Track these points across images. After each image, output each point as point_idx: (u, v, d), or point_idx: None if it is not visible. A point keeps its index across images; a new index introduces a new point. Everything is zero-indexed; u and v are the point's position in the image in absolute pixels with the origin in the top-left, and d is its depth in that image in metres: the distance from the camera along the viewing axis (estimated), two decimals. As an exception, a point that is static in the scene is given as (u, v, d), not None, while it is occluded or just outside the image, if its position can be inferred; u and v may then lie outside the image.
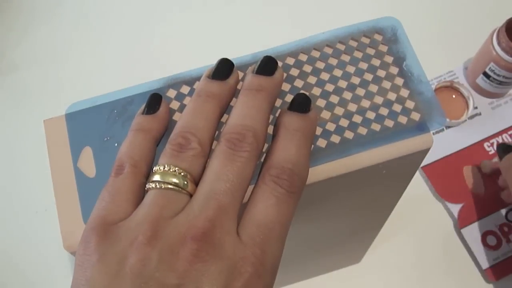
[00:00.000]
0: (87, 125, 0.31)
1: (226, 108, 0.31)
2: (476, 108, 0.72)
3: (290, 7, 0.82)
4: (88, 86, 0.76)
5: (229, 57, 0.31)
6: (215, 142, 0.29)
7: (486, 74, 0.68)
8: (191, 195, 0.27)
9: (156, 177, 0.27)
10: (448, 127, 0.70)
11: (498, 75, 0.67)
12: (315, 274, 0.61)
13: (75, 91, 0.76)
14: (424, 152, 0.31)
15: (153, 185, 0.27)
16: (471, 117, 0.71)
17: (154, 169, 0.27)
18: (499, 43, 0.65)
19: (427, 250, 0.65)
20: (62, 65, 0.79)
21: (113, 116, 0.31)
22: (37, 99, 0.76)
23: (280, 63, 0.32)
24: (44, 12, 0.84)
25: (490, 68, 0.67)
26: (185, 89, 0.32)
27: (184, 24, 0.82)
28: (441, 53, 0.75)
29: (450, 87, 0.72)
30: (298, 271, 0.55)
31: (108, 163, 0.30)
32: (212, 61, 0.32)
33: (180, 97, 0.31)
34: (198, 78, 0.32)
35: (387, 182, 0.35)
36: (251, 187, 0.28)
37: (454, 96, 0.72)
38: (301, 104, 0.29)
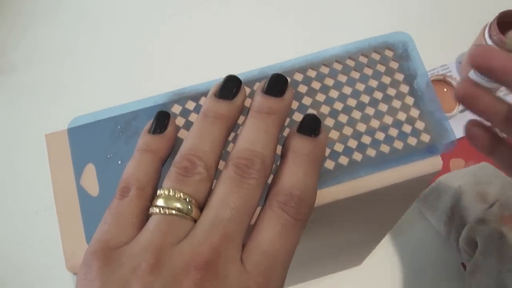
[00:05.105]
0: (90, 141, 0.31)
1: (233, 128, 0.30)
2: (468, 101, 0.72)
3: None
4: (88, 86, 0.76)
5: (237, 70, 0.31)
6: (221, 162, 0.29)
7: None
8: (195, 220, 0.26)
9: (160, 202, 0.26)
10: (439, 120, 0.71)
11: None
12: (315, 277, 0.61)
13: (75, 91, 0.75)
14: (433, 174, 0.31)
15: (157, 210, 0.26)
16: (462, 111, 0.72)
17: (158, 192, 0.27)
18: (490, 37, 0.65)
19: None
20: (62, 65, 0.78)
21: (117, 132, 0.31)
22: (36, 99, 0.76)
23: (288, 79, 0.31)
24: (45, 12, 0.82)
25: None
26: (190, 105, 0.31)
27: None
28: (435, 47, 0.74)
29: (442, 81, 0.73)
30: (299, 275, 0.55)
31: (112, 181, 0.29)
32: (219, 73, 0.31)
33: (185, 113, 0.31)
34: (204, 93, 0.31)
35: (394, 201, 0.35)
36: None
37: (445, 90, 0.73)
38: (311, 126, 0.29)
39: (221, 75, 0.31)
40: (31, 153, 0.70)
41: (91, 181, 0.30)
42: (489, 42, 0.65)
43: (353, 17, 0.80)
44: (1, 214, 0.68)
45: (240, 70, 0.31)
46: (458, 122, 0.70)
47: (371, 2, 0.81)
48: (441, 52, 0.75)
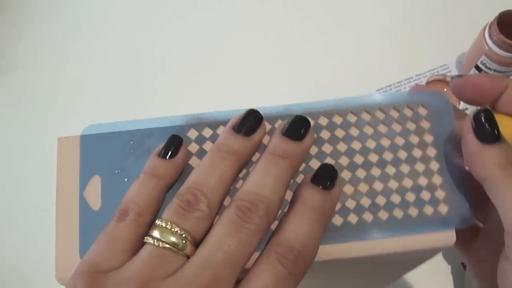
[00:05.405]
0: (101, 152, 0.30)
1: (245, 165, 0.29)
2: (468, 102, 0.72)
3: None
4: (89, 88, 0.75)
5: (264, 100, 0.30)
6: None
7: (477, 68, 0.69)
8: (188, 257, 0.26)
9: (156, 233, 0.26)
10: (438, 120, 0.72)
11: (489, 69, 0.68)
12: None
13: (76, 92, 0.75)
14: (444, 248, 0.29)
15: (151, 241, 0.26)
16: (462, 110, 0.70)
17: (156, 222, 0.26)
18: (490, 36, 0.65)
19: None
20: (62, 65, 0.78)
21: (129, 147, 0.30)
22: (37, 98, 0.75)
23: (312, 122, 0.30)
24: (45, 11, 0.82)
25: (481, 61, 0.68)
26: (207, 132, 0.30)
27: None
28: (435, 47, 0.76)
29: (442, 81, 0.73)
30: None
31: (115, 197, 0.29)
32: (246, 100, 0.30)
33: (200, 140, 0.30)
34: (223, 123, 0.30)
35: (399, 263, 0.33)
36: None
37: (445, 90, 0.72)
38: (326, 178, 0.27)
39: (247, 104, 0.30)
40: (31, 154, 0.70)
41: (94, 194, 0.29)
42: (489, 41, 0.65)
43: (353, 14, 0.79)
44: (1, 213, 0.68)
45: (267, 100, 0.30)
46: (457, 122, 0.71)
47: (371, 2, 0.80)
48: (441, 52, 0.76)
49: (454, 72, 0.74)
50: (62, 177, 0.30)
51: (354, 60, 0.75)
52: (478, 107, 0.28)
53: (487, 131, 0.27)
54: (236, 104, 0.30)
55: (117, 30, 0.80)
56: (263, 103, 0.30)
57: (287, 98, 0.64)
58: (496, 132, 0.27)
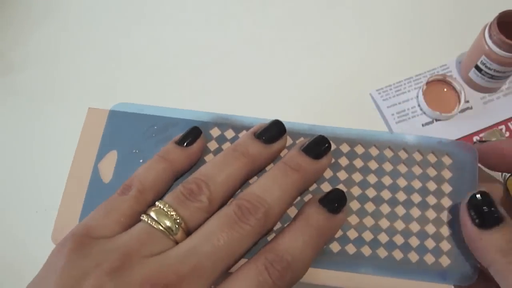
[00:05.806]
0: (124, 130, 0.31)
1: (257, 172, 0.29)
2: (467, 102, 0.71)
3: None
4: (91, 88, 0.75)
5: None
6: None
7: (477, 68, 0.69)
8: (177, 243, 0.26)
9: (152, 213, 0.26)
10: (437, 120, 0.70)
11: (489, 69, 0.67)
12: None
13: (76, 92, 0.75)
14: (437, 301, 0.29)
15: (146, 219, 0.26)
16: (462, 111, 0.71)
17: (156, 203, 0.27)
18: (490, 36, 0.65)
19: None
20: (62, 66, 0.78)
21: (151, 131, 0.31)
22: (37, 100, 0.75)
23: (332, 146, 0.30)
24: (45, 12, 0.82)
25: (481, 61, 0.67)
26: (229, 134, 0.30)
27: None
28: (435, 47, 0.75)
29: (442, 81, 0.72)
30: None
31: (126, 175, 0.29)
32: (279, 110, 0.30)
33: (221, 139, 0.30)
34: (246, 128, 0.31)
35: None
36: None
37: (445, 90, 0.72)
38: (334, 202, 0.27)
39: (278, 115, 0.30)
40: (32, 154, 0.70)
41: (108, 167, 0.30)
42: (489, 41, 0.65)
43: (353, 14, 0.79)
44: (1, 213, 0.68)
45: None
46: (458, 122, 0.71)
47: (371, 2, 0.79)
48: (441, 52, 0.74)
49: (454, 72, 0.73)
50: (83, 145, 0.31)
51: (354, 60, 0.74)
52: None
53: (484, 216, 0.26)
54: (268, 113, 0.31)
55: (122, 30, 0.81)
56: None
57: (286, 96, 0.64)
58: (494, 214, 0.26)
